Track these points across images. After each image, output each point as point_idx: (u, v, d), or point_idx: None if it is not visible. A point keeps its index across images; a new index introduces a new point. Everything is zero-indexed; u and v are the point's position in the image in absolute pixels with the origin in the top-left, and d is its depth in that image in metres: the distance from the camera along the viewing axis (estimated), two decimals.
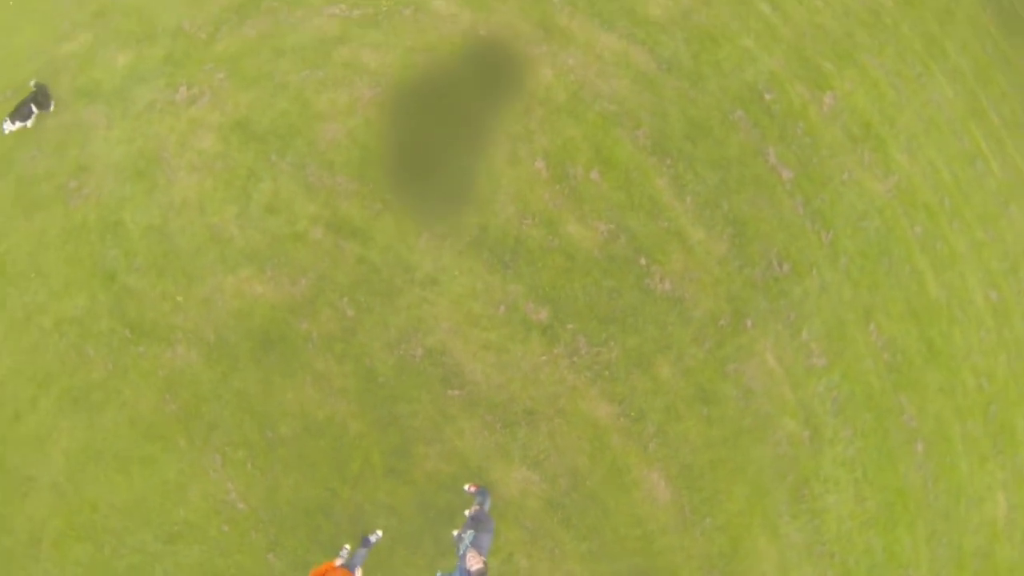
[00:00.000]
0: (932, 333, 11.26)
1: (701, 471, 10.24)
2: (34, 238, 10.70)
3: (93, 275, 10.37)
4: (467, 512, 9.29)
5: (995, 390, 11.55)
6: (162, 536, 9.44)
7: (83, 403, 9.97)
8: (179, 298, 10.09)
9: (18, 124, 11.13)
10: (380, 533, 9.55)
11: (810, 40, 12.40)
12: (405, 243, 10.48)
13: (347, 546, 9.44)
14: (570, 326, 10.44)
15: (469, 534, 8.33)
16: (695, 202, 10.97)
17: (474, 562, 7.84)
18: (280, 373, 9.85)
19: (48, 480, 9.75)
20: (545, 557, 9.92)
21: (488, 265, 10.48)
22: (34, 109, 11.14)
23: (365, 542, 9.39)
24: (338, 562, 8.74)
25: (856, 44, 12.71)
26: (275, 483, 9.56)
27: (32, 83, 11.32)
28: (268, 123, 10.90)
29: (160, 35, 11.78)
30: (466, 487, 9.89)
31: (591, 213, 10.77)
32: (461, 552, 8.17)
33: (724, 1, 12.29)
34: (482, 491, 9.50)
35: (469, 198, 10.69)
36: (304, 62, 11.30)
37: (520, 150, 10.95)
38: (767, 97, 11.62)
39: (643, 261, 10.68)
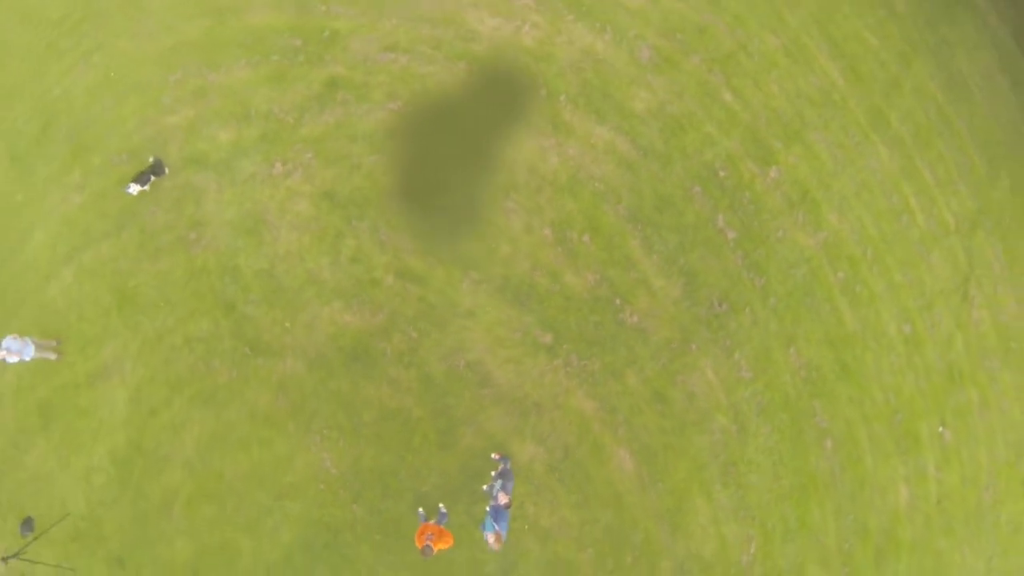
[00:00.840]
0: (846, 356, 14.81)
1: (656, 450, 14.44)
2: (161, 277, 14.40)
3: (215, 306, 15.03)
4: (493, 473, 13.94)
5: (901, 403, 14.96)
6: (273, 495, 14.38)
7: (211, 402, 13.84)
8: (287, 324, 14.93)
9: (139, 188, 14.55)
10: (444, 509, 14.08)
11: (764, 122, 15.93)
12: (452, 286, 15.09)
13: (441, 505, 13.99)
14: (566, 346, 14.81)
15: (499, 483, 12.98)
16: (659, 259, 14.99)
17: (503, 498, 12.50)
18: (363, 377, 14.74)
19: (181, 459, 13.68)
20: (546, 505, 14.45)
21: (510, 303, 14.96)
22: (152, 177, 14.64)
23: (441, 517, 13.89)
24: (432, 521, 13.36)
25: (805, 123, 16.09)
26: (359, 454, 14.43)
27: (151, 159, 14.64)
28: (348, 194, 15.39)
29: (254, 117, 14.84)
30: (493, 455, 14.55)
31: (583, 267, 15.02)
32: (493, 494, 12.81)
33: (693, 93, 16.00)
34: (504, 458, 14.15)
35: (497, 256, 15.17)
36: (372, 148, 15.77)
37: (533, 221, 15.30)
38: (721, 174, 15.36)
39: (618, 302, 14.85)
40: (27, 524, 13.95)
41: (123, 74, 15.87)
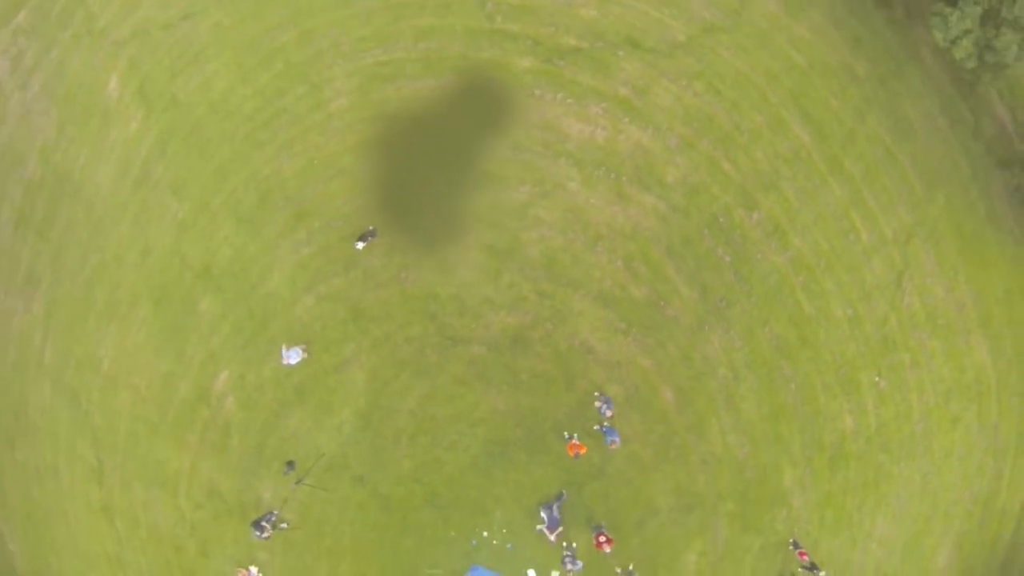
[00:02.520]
0: (805, 332, 23.98)
1: (686, 390, 24.76)
2: (382, 300, 24.28)
3: (423, 317, 25.27)
4: (596, 404, 24.98)
5: (845, 361, 23.90)
6: (467, 425, 26.54)
7: (425, 375, 24.33)
8: (472, 324, 26.56)
9: (363, 245, 23.68)
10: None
11: (751, 180, 24.73)
12: (568, 298, 25.94)
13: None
14: (633, 330, 25.18)
15: (603, 406, 24.05)
16: (684, 276, 24.84)
17: (607, 412, 23.75)
18: (520, 354, 26.06)
19: (406, 410, 23.77)
20: (625, 422, 25.35)
21: (602, 306, 25.38)
22: (371, 238, 23.67)
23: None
24: (574, 439, 25.08)
25: (780, 176, 24.65)
26: (518, 399, 25.72)
27: (370, 227, 24.50)
28: (505, 249, 26.94)
29: None
30: (595, 393, 25.57)
31: (640, 283, 25.22)
32: (602, 411, 23.83)
33: (704, 165, 25.06)
34: (603, 396, 25.29)
35: (592, 279, 25.75)
36: (482, 222, 26.73)
37: (612, 257, 25.51)
38: (720, 220, 24.65)
39: (661, 303, 25.03)
40: (290, 465, 24.29)
41: (326, 163, 24.95)
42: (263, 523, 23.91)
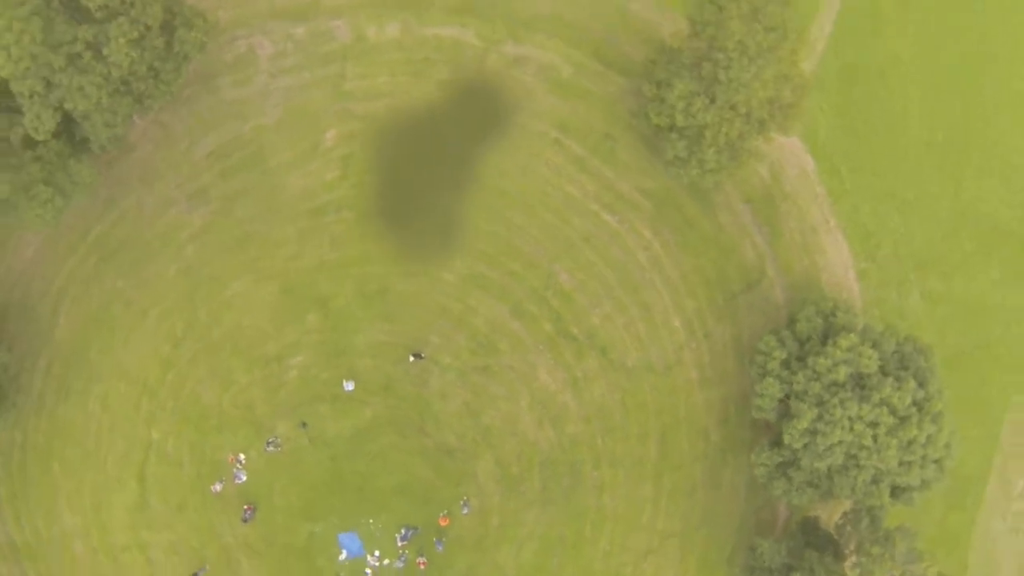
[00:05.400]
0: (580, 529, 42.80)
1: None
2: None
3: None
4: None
5: None
6: None
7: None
8: None
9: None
10: None
11: (605, 458, 42.75)
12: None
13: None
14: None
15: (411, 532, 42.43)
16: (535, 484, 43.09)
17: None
18: None
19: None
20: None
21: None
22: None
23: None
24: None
25: (620, 464, 42.75)
26: None
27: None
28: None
29: None
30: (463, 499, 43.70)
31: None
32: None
33: (586, 438, 42.88)
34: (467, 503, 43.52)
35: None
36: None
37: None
38: (577, 467, 42.87)
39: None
40: (304, 425, 42.76)
41: None
42: (271, 443, 41.78)
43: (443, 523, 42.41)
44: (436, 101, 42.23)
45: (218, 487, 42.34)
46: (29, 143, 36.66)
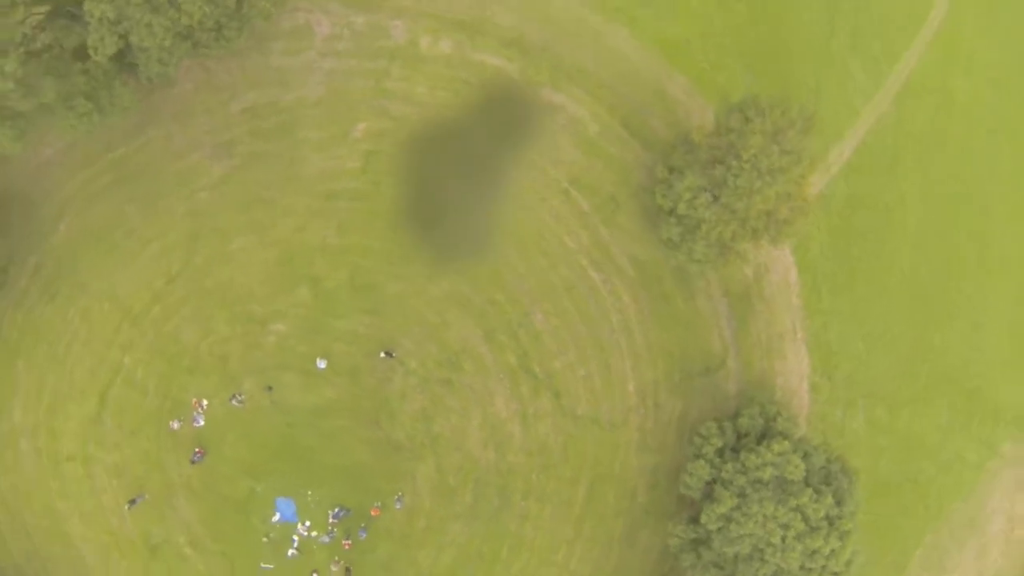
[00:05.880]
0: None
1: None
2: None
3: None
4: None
5: None
6: None
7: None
8: None
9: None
10: None
11: (536, 492, 45.31)
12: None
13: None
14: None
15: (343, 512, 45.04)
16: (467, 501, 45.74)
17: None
18: None
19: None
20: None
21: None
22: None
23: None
24: None
25: (549, 499, 45.37)
26: None
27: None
28: None
29: None
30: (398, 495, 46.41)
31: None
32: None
33: (523, 468, 45.44)
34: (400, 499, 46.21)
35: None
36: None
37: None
38: (510, 497, 45.47)
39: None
40: (270, 388, 45.56)
41: None
42: (236, 397, 44.41)
43: (374, 513, 44.84)
44: (465, 123, 44.25)
45: (176, 425, 44.71)
46: (80, 55, 37.79)
